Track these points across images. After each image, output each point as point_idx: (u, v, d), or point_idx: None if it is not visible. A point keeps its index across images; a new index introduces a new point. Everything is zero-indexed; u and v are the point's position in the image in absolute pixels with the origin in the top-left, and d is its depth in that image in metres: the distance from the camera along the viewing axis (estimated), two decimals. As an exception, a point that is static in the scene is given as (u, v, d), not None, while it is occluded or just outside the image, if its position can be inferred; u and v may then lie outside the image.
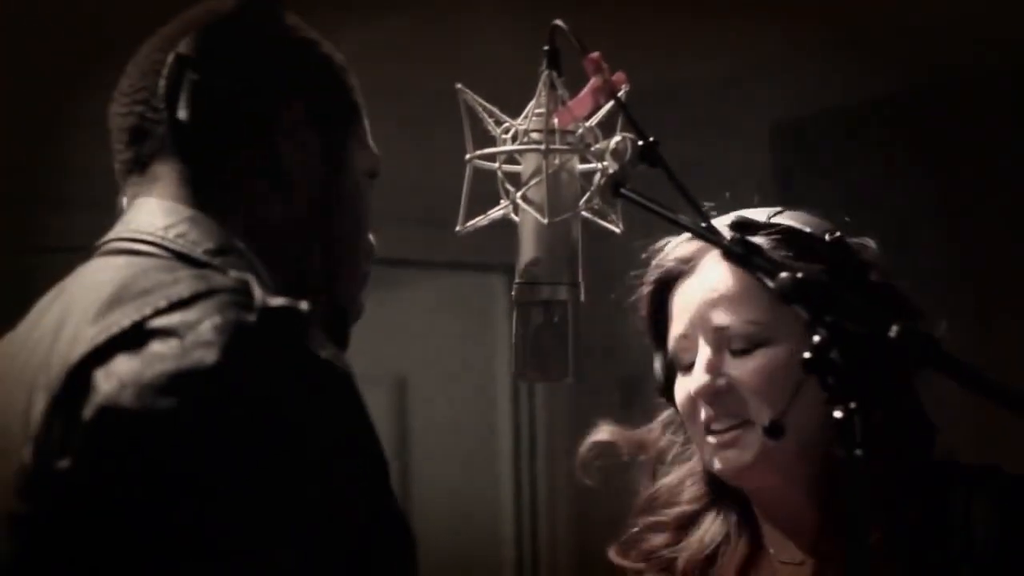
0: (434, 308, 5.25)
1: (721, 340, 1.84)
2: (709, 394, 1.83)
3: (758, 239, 1.81)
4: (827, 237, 1.82)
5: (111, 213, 1.59)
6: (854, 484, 1.40)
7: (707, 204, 1.84)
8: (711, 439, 1.84)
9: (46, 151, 3.85)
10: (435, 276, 5.09)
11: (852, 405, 1.39)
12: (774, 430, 1.49)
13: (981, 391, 1.41)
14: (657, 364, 1.94)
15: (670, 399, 1.92)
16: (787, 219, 1.85)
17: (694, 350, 1.86)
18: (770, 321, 1.81)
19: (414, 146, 3.71)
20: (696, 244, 1.86)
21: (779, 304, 1.76)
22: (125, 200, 1.58)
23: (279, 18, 1.60)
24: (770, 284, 1.49)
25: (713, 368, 1.83)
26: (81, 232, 1.63)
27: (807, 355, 1.42)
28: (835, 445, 1.40)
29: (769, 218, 1.85)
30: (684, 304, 1.87)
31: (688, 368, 1.87)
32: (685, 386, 1.87)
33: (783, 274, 1.47)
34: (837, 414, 1.39)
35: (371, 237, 1.65)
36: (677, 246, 1.90)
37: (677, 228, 1.62)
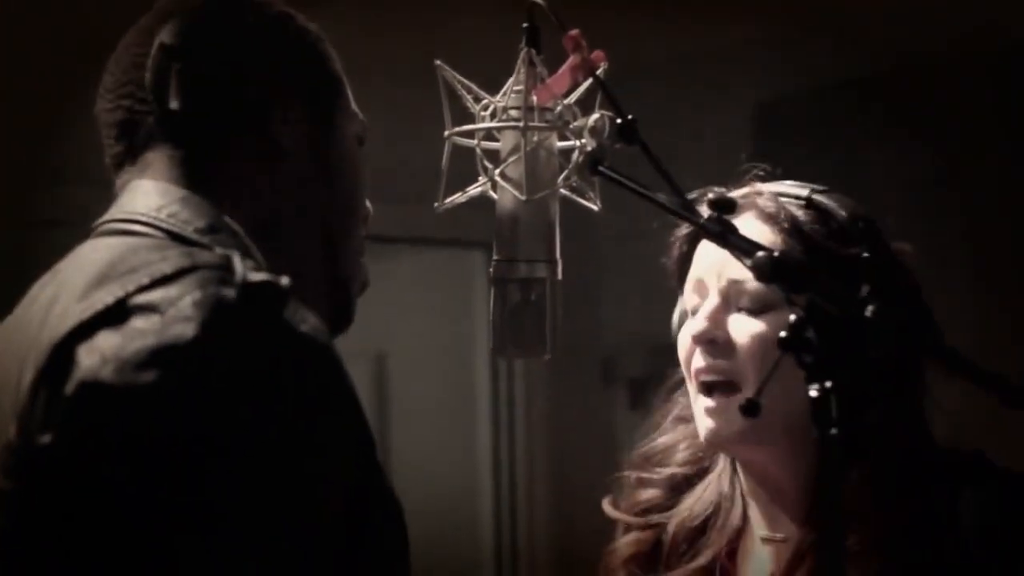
0: (414, 284, 5.26)
1: (732, 293, 1.83)
2: (705, 341, 1.82)
3: (798, 213, 1.82)
4: (860, 224, 1.82)
5: (110, 187, 1.61)
6: (828, 463, 1.40)
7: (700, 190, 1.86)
8: (701, 399, 1.83)
9: (47, 126, 3.85)
10: (415, 252, 5.09)
11: (828, 384, 1.40)
12: (750, 408, 1.49)
13: (966, 375, 1.42)
14: (676, 311, 1.93)
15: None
16: (826, 198, 1.85)
17: (705, 297, 1.85)
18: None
19: (393, 122, 3.71)
20: (738, 196, 1.86)
21: None
22: (118, 187, 1.59)
23: None
24: (747, 262, 1.49)
25: (716, 318, 1.83)
26: (80, 207, 1.64)
27: (783, 333, 1.42)
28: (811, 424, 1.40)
29: (811, 193, 1.85)
30: (707, 250, 1.86)
31: (695, 313, 1.87)
32: (687, 330, 1.87)
33: (759, 253, 1.47)
34: (813, 393, 1.40)
35: (368, 203, 1.65)
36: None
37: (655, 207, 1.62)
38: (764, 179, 1.91)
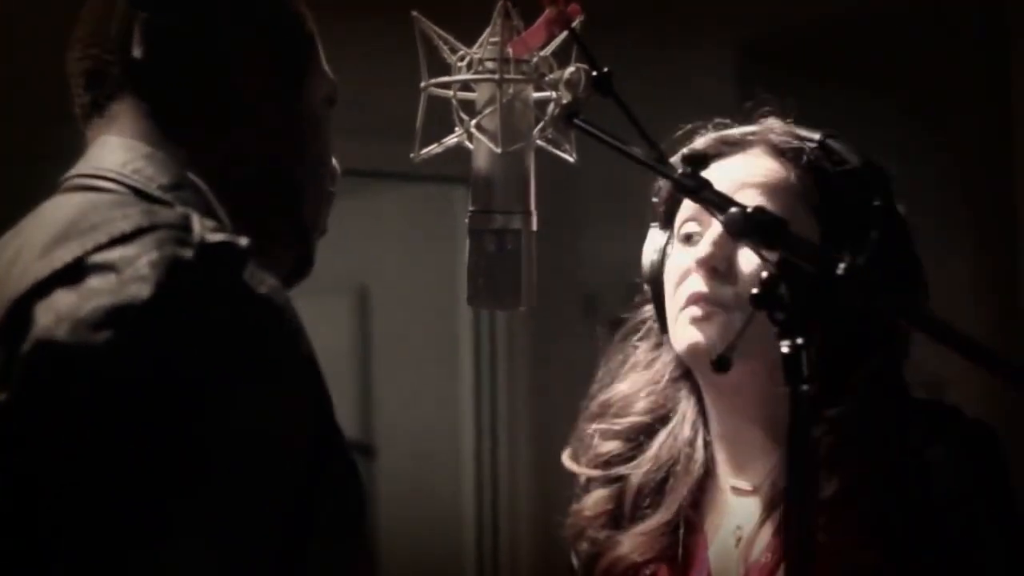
0: (396, 218, 5.26)
1: None
2: (710, 266, 1.80)
3: (812, 151, 1.83)
4: (873, 171, 1.82)
5: None
6: (798, 419, 1.41)
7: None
8: (689, 310, 1.82)
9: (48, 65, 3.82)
10: (396, 187, 5.09)
11: (799, 340, 1.41)
12: (721, 363, 1.50)
13: (937, 336, 1.43)
14: (650, 245, 1.91)
15: (653, 281, 1.90)
16: (839, 144, 1.85)
17: (705, 227, 1.84)
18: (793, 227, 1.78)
19: (376, 60, 3.70)
20: (745, 131, 1.86)
21: (807, 220, 1.77)
22: (88, 140, 1.59)
23: None
24: (719, 218, 1.49)
25: (722, 245, 1.82)
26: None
27: (755, 290, 1.43)
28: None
29: (824, 136, 1.85)
30: (715, 179, 1.85)
31: (688, 240, 1.85)
32: (683, 256, 1.84)
33: (732, 208, 1.47)
34: (784, 349, 1.41)
35: (334, 161, 1.65)
36: (724, 132, 1.89)
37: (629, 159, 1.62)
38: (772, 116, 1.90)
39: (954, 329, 1.41)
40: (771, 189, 1.81)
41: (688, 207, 1.86)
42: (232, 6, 1.58)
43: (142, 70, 1.55)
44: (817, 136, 1.85)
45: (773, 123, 1.88)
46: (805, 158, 1.83)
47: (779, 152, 1.84)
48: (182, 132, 1.54)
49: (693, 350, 1.82)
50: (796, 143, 1.84)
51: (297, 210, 1.61)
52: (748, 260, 1.79)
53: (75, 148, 1.60)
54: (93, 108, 1.58)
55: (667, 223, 1.90)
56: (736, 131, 1.88)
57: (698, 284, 1.81)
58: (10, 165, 3.99)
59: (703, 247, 1.81)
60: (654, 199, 1.93)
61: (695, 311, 1.81)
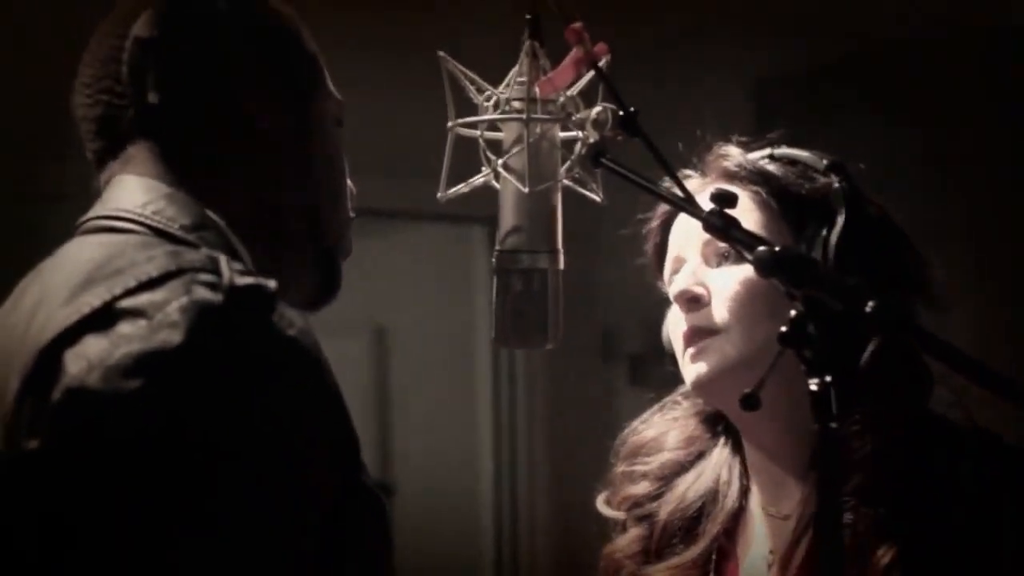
0: (415, 258, 5.27)
1: (708, 254, 1.84)
2: (688, 299, 1.82)
3: (763, 164, 1.84)
4: (827, 163, 1.83)
5: None
6: (826, 456, 1.41)
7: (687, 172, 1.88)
8: (687, 352, 1.83)
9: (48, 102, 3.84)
10: (416, 226, 5.09)
11: (828, 378, 1.41)
12: (748, 402, 1.49)
13: (956, 367, 1.43)
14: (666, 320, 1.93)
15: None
16: (789, 149, 1.87)
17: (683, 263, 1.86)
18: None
19: (397, 96, 3.72)
20: (697, 184, 1.86)
21: (772, 229, 1.78)
22: (101, 183, 1.58)
23: None
24: (748, 257, 1.50)
25: (696, 276, 1.83)
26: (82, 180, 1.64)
27: (784, 329, 1.43)
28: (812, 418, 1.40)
29: (772, 148, 1.87)
30: (680, 227, 1.87)
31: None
32: (673, 310, 1.87)
33: (761, 248, 1.48)
34: (813, 387, 1.41)
35: (350, 182, 1.66)
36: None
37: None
38: (748, 147, 1.91)
39: (968, 357, 1.41)
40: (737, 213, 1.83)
41: (670, 255, 1.88)
42: (239, 39, 1.57)
43: (156, 112, 1.54)
44: (767, 151, 1.86)
45: (728, 149, 1.89)
46: (753, 175, 1.84)
47: (730, 175, 1.85)
48: (199, 168, 1.54)
49: (698, 385, 1.84)
50: (741, 163, 1.85)
51: (316, 235, 1.60)
52: (717, 280, 1.82)
53: (72, 187, 1.59)
54: (107, 152, 1.57)
55: (659, 266, 1.92)
56: (691, 185, 1.88)
57: (684, 322, 1.83)
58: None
59: (679, 281, 1.84)
60: (641, 259, 1.95)
61: (691, 350, 1.83)
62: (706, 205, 1.56)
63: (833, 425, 1.40)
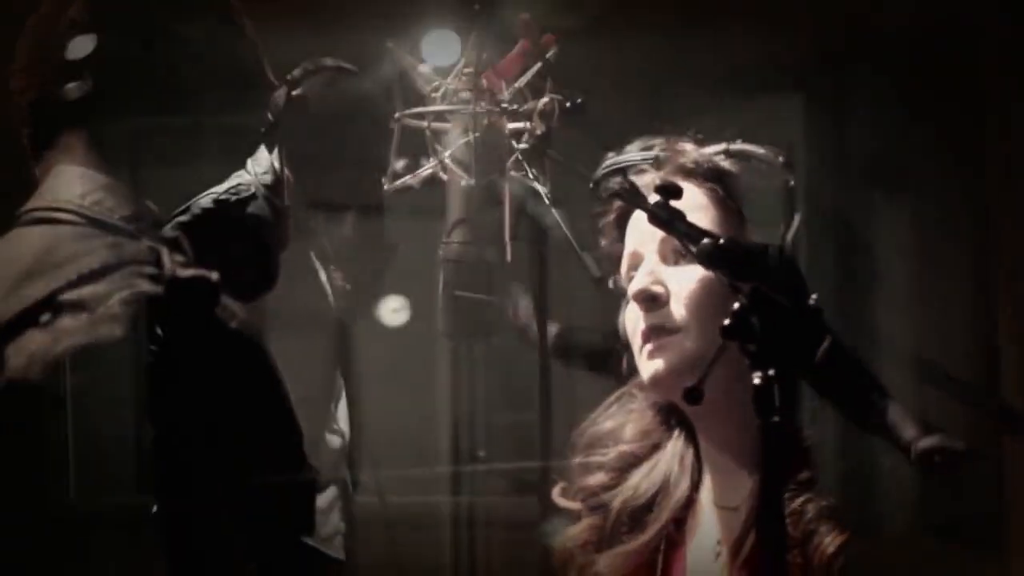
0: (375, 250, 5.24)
1: (665, 252, 1.84)
2: (646, 298, 1.81)
3: (723, 162, 1.82)
4: (782, 157, 1.82)
5: None
6: (769, 448, 1.40)
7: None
8: (644, 348, 1.83)
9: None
10: (376, 219, 5.08)
11: (771, 372, 1.40)
12: (691, 395, 1.48)
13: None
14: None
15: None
16: (745, 144, 1.86)
17: (641, 263, 1.86)
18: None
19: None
20: (651, 179, 1.85)
21: (726, 225, 1.79)
22: (38, 171, 1.56)
23: None
24: (692, 249, 1.49)
25: (654, 275, 1.82)
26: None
27: (726, 321, 1.42)
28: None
29: (728, 144, 1.86)
30: (637, 223, 1.86)
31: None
32: (631, 306, 1.86)
33: (705, 240, 1.47)
34: (756, 381, 1.40)
35: (287, 174, 1.64)
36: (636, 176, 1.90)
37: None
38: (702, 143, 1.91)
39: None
40: (690, 209, 1.83)
41: (627, 250, 1.88)
42: (176, 23, 1.56)
43: (91, 97, 1.53)
44: (723, 146, 1.86)
45: (683, 145, 1.89)
46: (708, 172, 1.83)
47: (686, 172, 1.85)
48: (134, 156, 1.53)
49: (655, 381, 1.83)
50: (697, 159, 1.85)
51: (256, 225, 1.59)
52: (673, 278, 1.81)
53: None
54: (43, 136, 1.56)
55: (615, 260, 1.92)
56: (643, 179, 1.88)
57: (644, 322, 1.83)
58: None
59: (637, 280, 1.83)
60: (596, 253, 1.94)
61: (649, 346, 1.82)
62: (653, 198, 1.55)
63: (775, 419, 1.39)
